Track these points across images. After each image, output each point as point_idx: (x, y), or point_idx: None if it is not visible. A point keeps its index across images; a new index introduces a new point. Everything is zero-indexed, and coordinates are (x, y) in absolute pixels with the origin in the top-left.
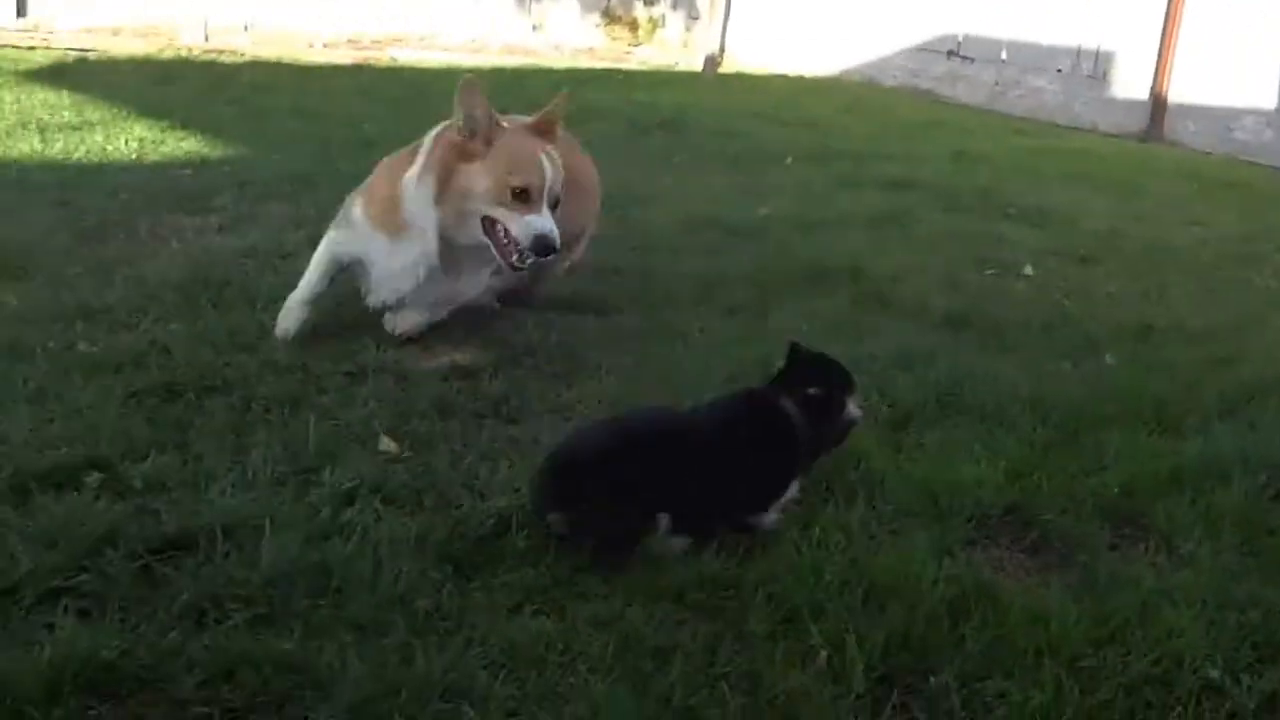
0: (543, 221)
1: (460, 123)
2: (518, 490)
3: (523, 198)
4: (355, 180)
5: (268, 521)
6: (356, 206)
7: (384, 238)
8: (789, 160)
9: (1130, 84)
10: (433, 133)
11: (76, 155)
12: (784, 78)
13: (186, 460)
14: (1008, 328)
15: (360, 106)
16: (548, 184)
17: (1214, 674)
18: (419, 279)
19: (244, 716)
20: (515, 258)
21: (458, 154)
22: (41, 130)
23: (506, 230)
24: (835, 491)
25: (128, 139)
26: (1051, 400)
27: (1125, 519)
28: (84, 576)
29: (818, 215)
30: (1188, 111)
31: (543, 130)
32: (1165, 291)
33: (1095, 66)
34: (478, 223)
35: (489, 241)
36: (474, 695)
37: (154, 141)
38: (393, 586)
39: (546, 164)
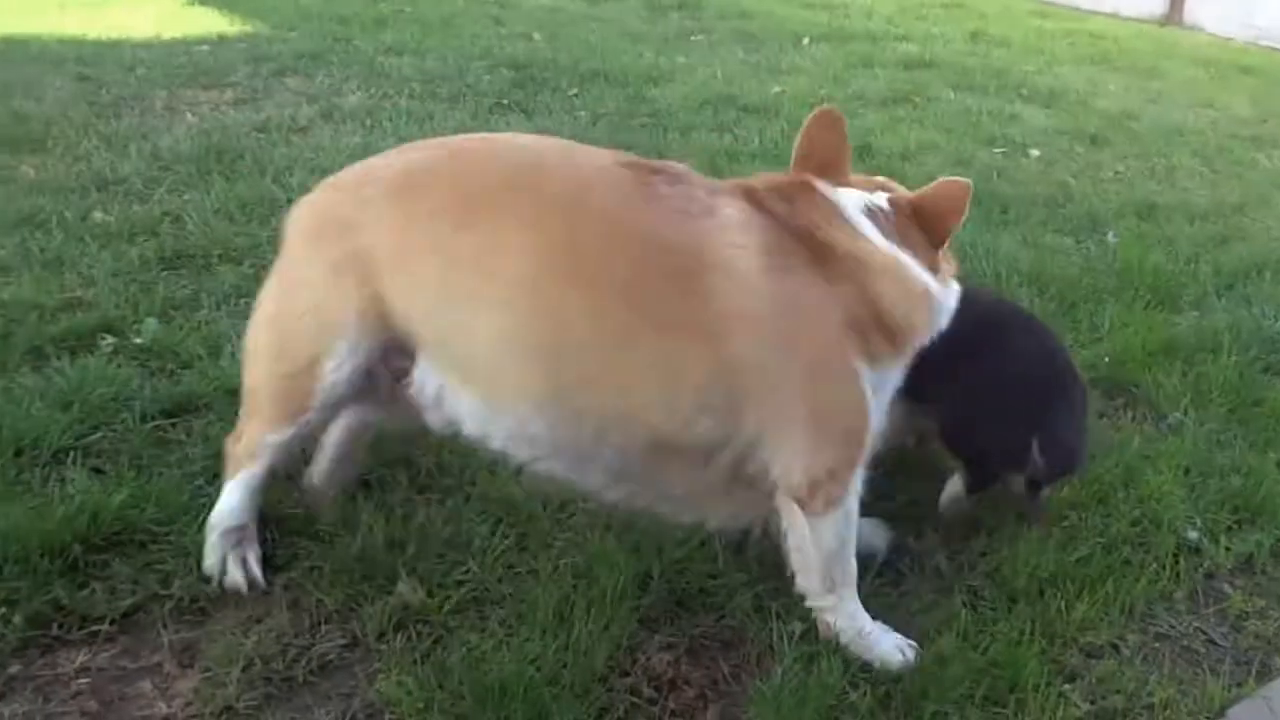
0: None
1: None
2: None
3: None
4: (368, 57)
5: None
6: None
7: None
8: (806, 40)
9: None
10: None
11: (94, 32)
12: None
13: (198, 325)
14: (1012, 204)
15: None
16: None
17: (1192, 535)
18: None
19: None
20: None
21: None
22: (60, 5)
23: None
24: None
25: (145, 15)
26: (1050, 274)
27: (1117, 388)
28: (97, 435)
29: (832, 94)
30: None
31: None
32: (1173, 171)
33: None
34: None
35: None
36: (473, 548)
37: (172, 17)
38: (397, 446)
39: None
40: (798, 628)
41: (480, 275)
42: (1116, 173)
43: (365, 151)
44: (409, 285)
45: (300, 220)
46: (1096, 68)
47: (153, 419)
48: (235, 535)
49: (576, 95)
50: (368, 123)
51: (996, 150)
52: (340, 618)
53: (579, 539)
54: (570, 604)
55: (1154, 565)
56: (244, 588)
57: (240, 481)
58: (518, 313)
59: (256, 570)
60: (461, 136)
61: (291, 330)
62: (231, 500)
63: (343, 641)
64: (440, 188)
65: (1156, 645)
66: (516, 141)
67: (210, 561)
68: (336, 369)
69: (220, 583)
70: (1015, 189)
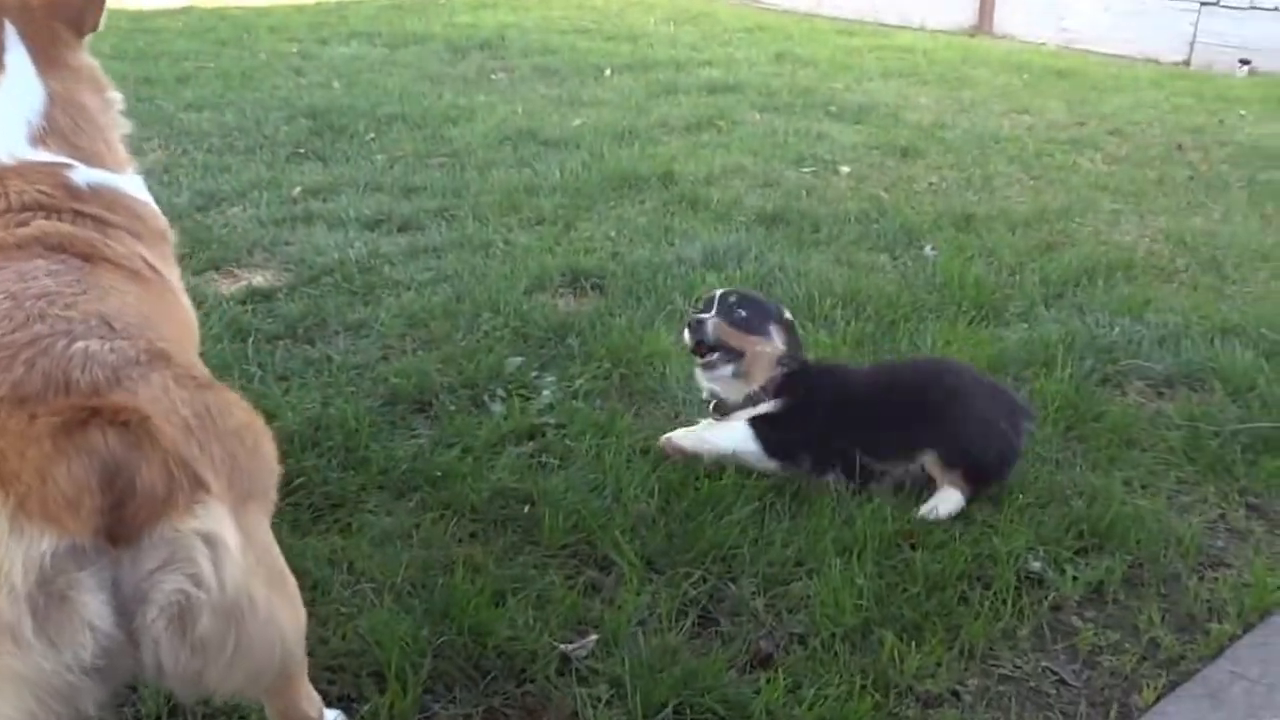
0: None
1: None
2: (308, 409)
3: None
4: (169, 114)
5: None
6: None
7: None
8: (608, 72)
9: None
10: None
11: None
12: None
13: None
14: (823, 223)
15: (184, 45)
16: None
17: (1035, 565)
18: None
19: None
20: None
21: None
22: None
23: None
24: (635, 397)
25: None
26: (867, 293)
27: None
28: None
29: (633, 123)
30: (1018, 3)
31: None
32: (990, 180)
33: None
34: None
35: None
36: None
37: None
38: None
39: None
40: (604, 692)
41: None
42: (931, 184)
43: (162, 207)
44: None
45: None
46: (905, 81)
47: None
48: None
49: (374, 139)
50: (165, 179)
51: (805, 169)
52: None
53: (359, 605)
54: (356, 678)
55: (994, 601)
56: None
57: None
58: None
59: None
60: None
61: None
62: None
63: None
64: None
65: (1002, 689)
66: None
67: None
68: None
69: None
70: (826, 207)
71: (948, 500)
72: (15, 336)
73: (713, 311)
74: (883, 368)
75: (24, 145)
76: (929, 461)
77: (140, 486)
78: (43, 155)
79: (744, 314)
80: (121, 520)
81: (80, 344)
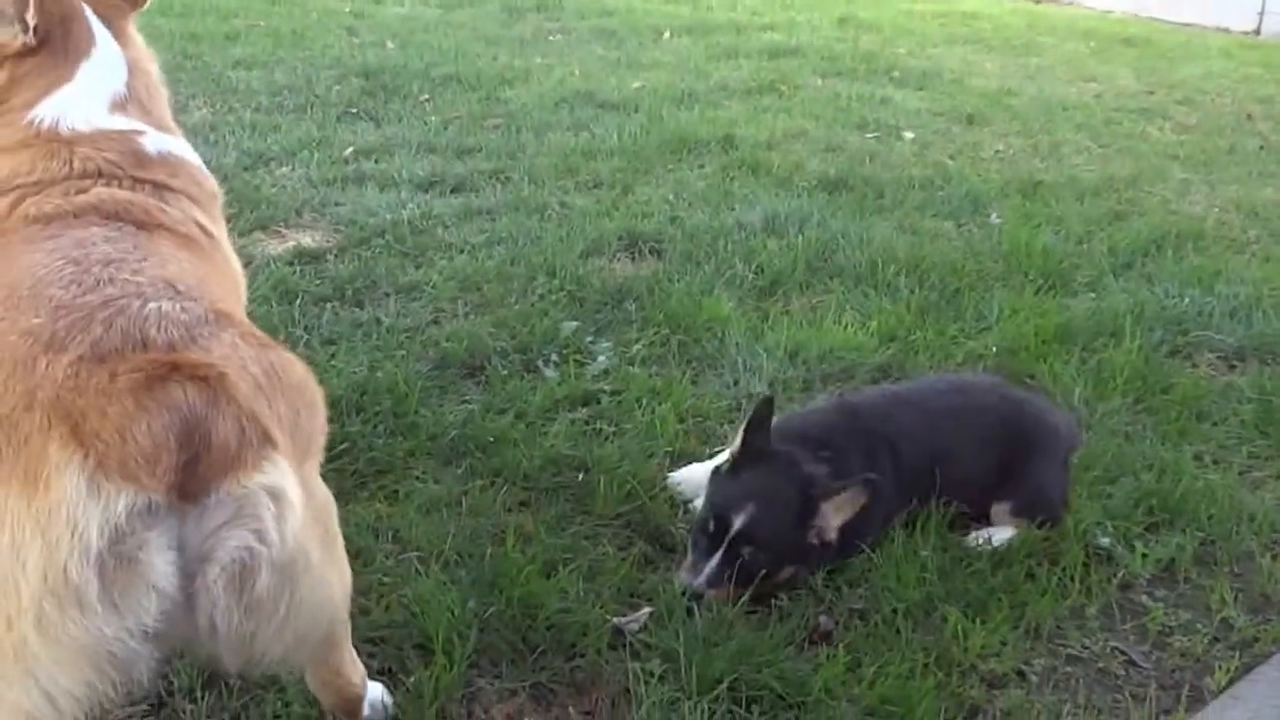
0: None
1: None
2: (355, 373)
3: None
4: (216, 72)
5: None
6: None
7: None
8: (666, 34)
9: None
10: None
11: None
12: None
13: None
14: (886, 188)
15: (232, 2)
16: None
17: (1104, 542)
18: None
19: None
20: None
21: None
22: None
23: None
24: (692, 363)
25: None
26: (931, 260)
27: (1007, 379)
28: None
29: (693, 86)
30: None
31: None
32: (1057, 148)
33: None
34: None
35: None
36: None
37: None
38: None
39: None
40: (657, 666)
41: None
42: (997, 151)
43: (208, 166)
44: None
45: None
46: (970, 47)
47: None
48: None
49: (428, 100)
50: (211, 138)
51: (868, 135)
52: None
53: (403, 575)
54: (399, 651)
55: (1062, 578)
56: None
57: None
58: None
59: None
60: None
61: None
62: None
63: (147, 703)
64: None
65: (1069, 670)
66: None
67: None
68: None
69: None
70: (890, 173)
71: (1001, 534)
72: (89, 299)
73: (713, 563)
74: (940, 410)
75: (103, 113)
76: (998, 509)
77: (215, 441)
78: (119, 122)
79: (752, 559)
80: (194, 476)
81: (154, 304)
